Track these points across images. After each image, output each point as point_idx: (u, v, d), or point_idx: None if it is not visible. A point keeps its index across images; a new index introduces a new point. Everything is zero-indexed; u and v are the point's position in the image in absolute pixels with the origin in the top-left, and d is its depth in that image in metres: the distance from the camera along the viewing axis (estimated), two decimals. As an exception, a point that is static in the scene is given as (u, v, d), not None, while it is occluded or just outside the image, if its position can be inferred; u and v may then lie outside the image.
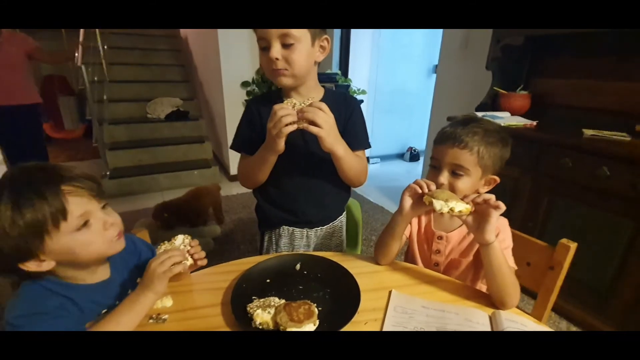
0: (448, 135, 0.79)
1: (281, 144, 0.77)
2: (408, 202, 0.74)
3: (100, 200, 0.63)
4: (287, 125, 0.73)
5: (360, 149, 0.94)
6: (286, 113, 0.73)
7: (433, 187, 0.70)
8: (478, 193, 0.81)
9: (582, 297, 1.46)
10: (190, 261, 0.69)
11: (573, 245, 0.77)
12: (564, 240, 0.78)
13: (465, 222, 0.69)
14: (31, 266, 0.58)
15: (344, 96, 0.99)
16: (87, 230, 0.60)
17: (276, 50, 0.78)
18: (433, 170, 0.82)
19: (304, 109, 0.74)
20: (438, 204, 0.65)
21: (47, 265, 0.59)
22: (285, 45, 0.78)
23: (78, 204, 0.59)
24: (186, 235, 0.72)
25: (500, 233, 0.78)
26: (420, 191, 0.71)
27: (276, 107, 0.74)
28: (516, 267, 0.76)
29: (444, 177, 0.79)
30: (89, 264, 0.65)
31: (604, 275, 1.38)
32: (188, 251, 0.70)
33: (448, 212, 0.65)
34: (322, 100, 0.90)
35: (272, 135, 0.75)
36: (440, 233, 0.86)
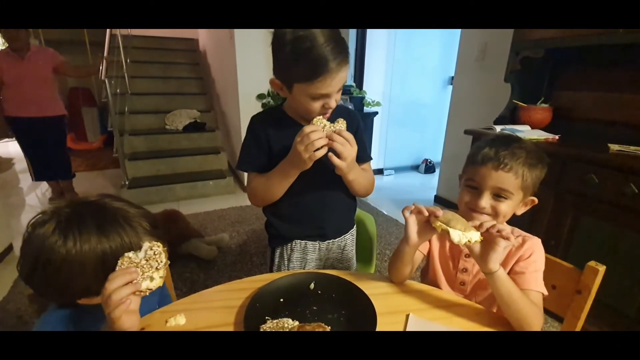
0: (490, 156, 0.74)
1: (310, 164, 0.77)
2: (414, 230, 0.70)
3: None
4: (318, 149, 0.73)
5: (367, 161, 0.98)
6: (318, 137, 0.72)
7: (440, 212, 0.66)
8: (514, 214, 0.79)
9: (609, 321, 1.38)
10: (157, 281, 0.54)
11: (602, 269, 0.72)
12: (592, 263, 0.74)
13: (469, 247, 0.65)
14: (85, 300, 0.63)
15: (347, 111, 1.00)
16: None
17: (334, 101, 0.80)
18: (471, 190, 0.78)
19: (333, 137, 0.73)
20: (456, 236, 0.62)
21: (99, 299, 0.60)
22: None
23: None
24: (154, 242, 0.56)
25: (533, 254, 0.76)
26: (426, 214, 0.67)
27: (307, 128, 0.73)
28: (546, 293, 0.73)
29: (486, 201, 0.75)
30: None
31: (633, 299, 1.30)
32: (155, 264, 0.55)
33: (465, 244, 0.63)
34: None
35: (302, 157, 0.74)
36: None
